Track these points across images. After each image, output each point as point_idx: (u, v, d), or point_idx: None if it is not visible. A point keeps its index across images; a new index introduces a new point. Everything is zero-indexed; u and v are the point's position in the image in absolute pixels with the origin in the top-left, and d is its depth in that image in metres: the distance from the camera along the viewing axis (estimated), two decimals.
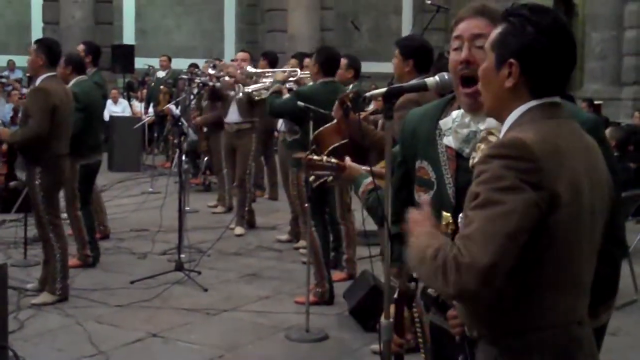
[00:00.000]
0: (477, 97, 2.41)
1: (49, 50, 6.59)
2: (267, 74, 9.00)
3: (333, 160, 3.59)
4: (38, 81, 6.57)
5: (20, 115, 6.68)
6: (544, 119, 2.14)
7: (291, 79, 7.89)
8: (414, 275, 2.57)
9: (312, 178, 3.72)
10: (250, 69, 9.03)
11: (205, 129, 10.96)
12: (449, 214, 2.55)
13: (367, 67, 10.28)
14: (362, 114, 5.50)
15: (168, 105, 9.46)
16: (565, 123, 2.19)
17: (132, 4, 21.77)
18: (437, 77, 2.63)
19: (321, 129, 5.07)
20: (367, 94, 2.74)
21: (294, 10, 19.83)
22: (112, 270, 7.57)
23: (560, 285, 2.11)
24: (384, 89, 2.59)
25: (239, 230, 9.28)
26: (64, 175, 6.67)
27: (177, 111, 8.09)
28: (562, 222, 2.04)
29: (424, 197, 2.58)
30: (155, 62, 17.78)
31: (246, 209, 9.49)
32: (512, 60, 2.13)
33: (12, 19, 20.26)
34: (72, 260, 7.32)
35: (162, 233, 8.69)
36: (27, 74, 7.12)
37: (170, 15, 21.97)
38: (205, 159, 12.02)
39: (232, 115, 9.37)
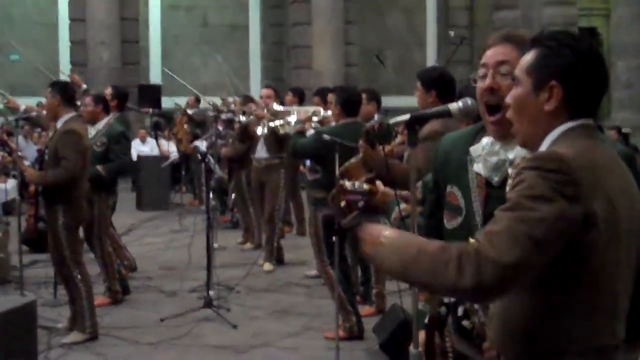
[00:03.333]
0: (503, 124, 2.40)
1: (63, 91, 6.68)
2: (292, 111, 9.03)
3: (365, 185, 3.58)
4: (60, 122, 6.60)
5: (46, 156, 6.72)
6: (580, 138, 2.13)
7: (314, 118, 7.88)
8: (445, 300, 2.55)
9: (345, 221, 3.70)
10: (275, 106, 9.06)
11: (229, 166, 10.99)
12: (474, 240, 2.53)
13: (392, 101, 10.31)
14: (389, 147, 5.51)
15: (194, 143, 9.50)
16: (601, 144, 2.18)
17: (158, 45, 22.01)
18: (460, 103, 2.62)
19: (347, 163, 5.05)
20: (391, 121, 2.74)
21: (318, 47, 19.92)
22: (141, 308, 7.58)
23: (596, 307, 2.07)
24: (407, 116, 2.59)
25: (267, 266, 9.27)
26: (84, 213, 6.73)
27: (203, 148, 8.10)
28: (599, 242, 2.01)
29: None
30: (182, 100, 17.91)
31: (275, 245, 9.48)
32: (553, 82, 2.13)
33: (41, 62, 20.53)
34: (101, 298, 7.36)
35: (191, 270, 8.70)
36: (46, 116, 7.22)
37: (196, 54, 22.18)
38: (233, 195, 12.03)
39: (261, 151, 9.41)
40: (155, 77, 21.38)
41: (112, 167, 7.56)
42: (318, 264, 7.03)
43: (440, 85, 4.83)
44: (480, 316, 2.49)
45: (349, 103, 6.70)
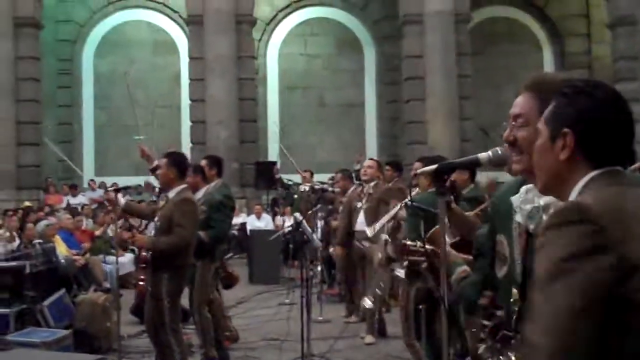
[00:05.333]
0: (529, 172, 2.38)
1: (178, 164, 6.93)
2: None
3: (428, 246, 3.58)
4: (173, 192, 6.85)
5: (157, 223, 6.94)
6: (603, 186, 2.02)
7: None
8: None
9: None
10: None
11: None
12: (516, 291, 2.50)
13: (503, 176, 10.12)
14: (473, 212, 5.46)
15: (295, 214, 9.67)
16: (630, 189, 2.03)
17: (278, 124, 22.58)
18: (490, 152, 2.63)
19: (433, 229, 5.06)
20: (419, 170, 2.76)
21: (432, 122, 20.00)
22: None
23: None
24: (434, 166, 2.60)
25: (369, 339, 9.21)
26: (186, 282, 6.90)
27: (299, 218, 8.22)
28: None
29: None
30: (298, 178, 18.26)
31: (377, 317, 9.43)
32: (565, 129, 2.07)
33: (164, 141, 21.37)
34: None
35: (292, 342, 8.73)
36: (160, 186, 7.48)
37: (312, 132, 22.64)
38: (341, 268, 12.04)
39: (360, 224, 9.46)
40: (272, 155, 21.90)
41: (212, 233, 7.76)
42: (404, 338, 6.92)
43: None
44: None
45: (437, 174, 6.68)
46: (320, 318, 9.75)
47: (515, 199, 2.58)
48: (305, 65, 23.64)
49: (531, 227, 2.50)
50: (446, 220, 3.83)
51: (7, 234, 12.12)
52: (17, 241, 11.65)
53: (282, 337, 9.15)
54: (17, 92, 20.09)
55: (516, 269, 2.54)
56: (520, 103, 2.53)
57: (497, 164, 2.64)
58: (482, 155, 2.64)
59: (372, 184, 9.62)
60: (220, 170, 8.53)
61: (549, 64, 23.64)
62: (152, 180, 13.13)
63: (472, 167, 2.74)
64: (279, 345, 8.88)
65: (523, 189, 2.57)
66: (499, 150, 2.61)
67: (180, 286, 6.77)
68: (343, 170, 11.43)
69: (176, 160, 7.03)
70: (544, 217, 2.42)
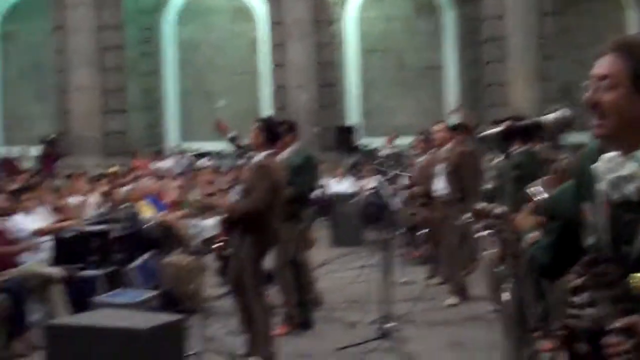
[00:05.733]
0: (610, 137, 2.34)
1: (267, 130, 7.03)
2: None
3: (499, 209, 3.56)
4: (257, 158, 6.97)
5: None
6: None
7: None
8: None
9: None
10: None
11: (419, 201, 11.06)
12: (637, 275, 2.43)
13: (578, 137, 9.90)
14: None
15: (375, 177, 9.71)
16: None
17: (355, 87, 22.55)
18: (554, 114, 2.56)
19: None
20: (482, 133, 2.72)
21: (514, 84, 19.71)
22: (319, 338, 7.75)
23: None
24: (499, 128, 2.58)
25: (451, 300, 9.23)
26: (271, 245, 7.01)
27: (380, 181, 8.25)
28: None
29: None
30: (379, 141, 18.30)
31: (459, 279, 9.44)
32: None
33: (241, 107, 21.54)
34: (281, 327, 7.61)
35: (374, 304, 8.79)
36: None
37: (391, 95, 22.53)
38: (424, 230, 12.04)
39: (440, 185, 9.45)
40: (353, 119, 21.91)
41: (293, 195, 7.82)
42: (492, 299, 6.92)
43: None
44: None
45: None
46: (403, 280, 9.79)
47: (598, 167, 2.52)
48: (384, 28, 23.48)
49: (614, 196, 2.44)
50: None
51: (96, 199, 12.45)
52: (105, 206, 11.95)
53: (364, 299, 9.23)
54: (101, 60, 20.55)
55: (604, 238, 2.48)
56: (607, 64, 2.42)
57: (564, 125, 2.59)
58: (547, 118, 2.58)
59: (447, 147, 9.58)
60: (296, 134, 8.61)
61: (632, 25, 22.96)
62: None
63: (535, 130, 2.66)
64: (361, 307, 8.97)
65: (605, 156, 2.50)
66: (568, 111, 2.55)
67: (263, 249, 6.88)
68: (424, 131, 11.39)
69: (266, 125, 7.13)
70: (629, 187, 2.37)
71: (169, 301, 8.49)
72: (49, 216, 10.05)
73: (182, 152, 20.65)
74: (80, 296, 8.08)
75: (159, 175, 15.05)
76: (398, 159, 14.06)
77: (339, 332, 7.99)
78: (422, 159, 9.58)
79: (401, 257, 11.24)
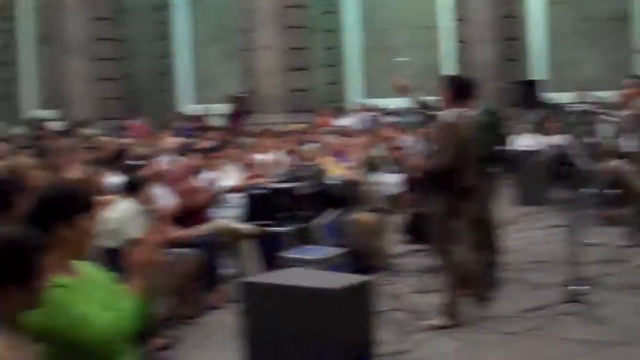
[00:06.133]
0: None
1: (455, 86, 7.00)
2: None
3: None
4: (443, 115, 6.95)
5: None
6: None
7: None
8: None
9: None
10: None
11: None
12: None
13: None
14: None
15: (564, 135, 9.41)
16: None
17: (540, 41, 21.84)
18: None
19: None
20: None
21: None
22: (506, 298, 7.65)
23: None
24: None
25: None
26: (461, 204, 6.95)
27: (568, 141, 8.00)
28: None
29: None
30: (565, 96, 17.67)
31: None
32: None
33: (423, 63, 21.35)
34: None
35: (562, 265, 8.59)
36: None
37: (577, 48, 21.65)
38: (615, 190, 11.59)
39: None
40: (538, 73, 21.27)
41: (481, 153, 7.70)
42: None
43: None
44: None
45: None
46: (594, 241, 9.51)
47: None
48: None
49: None
50: None
51: (282, 156, 12.75)
52: (291, 163, 12.21)
53: (550, 260, 9.03)
54: (285, 19, 20.95)
55: None
56: None
57: None
58: None
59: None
60: (479, 91, 8.46)
61: None
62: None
63: None
64: (548, 268, 8.78)
65: None
66: None
67: (453, 207, 6.83)
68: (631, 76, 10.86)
69: (453, 82, 7.09)
70: None
71: (354, 259, 8.62)
72: (240, 173, 10.44)
73: (365, 109, 20.74)
74: (270, 252, 8.35)
75: (343, 133, 15.19)
76: (588, 115, 13.47)
77: (524, 294, 7.87)
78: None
79: (591, 218, 10.87)
